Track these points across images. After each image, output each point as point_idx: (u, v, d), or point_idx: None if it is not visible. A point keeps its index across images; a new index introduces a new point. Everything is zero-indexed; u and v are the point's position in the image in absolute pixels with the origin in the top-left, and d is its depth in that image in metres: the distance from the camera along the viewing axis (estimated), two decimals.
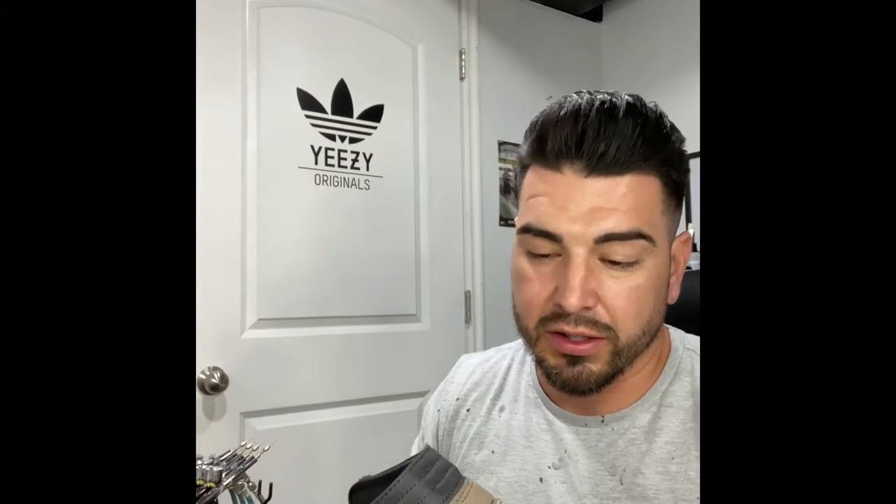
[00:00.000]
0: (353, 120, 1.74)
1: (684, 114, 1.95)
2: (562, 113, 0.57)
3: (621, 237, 0.55)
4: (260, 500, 1.04)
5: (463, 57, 1.95)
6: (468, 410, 0.73)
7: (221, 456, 0.98)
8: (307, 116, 1.67)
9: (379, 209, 1.77)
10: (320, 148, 1.69)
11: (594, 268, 0.56)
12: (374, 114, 1.78)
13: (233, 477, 0.99)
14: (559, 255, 0.57)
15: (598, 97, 0.57)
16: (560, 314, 0.56)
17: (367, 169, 1.76)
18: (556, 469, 0.63)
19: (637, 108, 0.57)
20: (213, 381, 1.46)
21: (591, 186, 0.55)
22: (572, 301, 0.54)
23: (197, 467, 0.96)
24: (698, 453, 0.58)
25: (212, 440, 1.45)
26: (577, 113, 0.56)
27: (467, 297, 1.92)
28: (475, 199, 1.94)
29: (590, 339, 0.57)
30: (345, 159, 1.72)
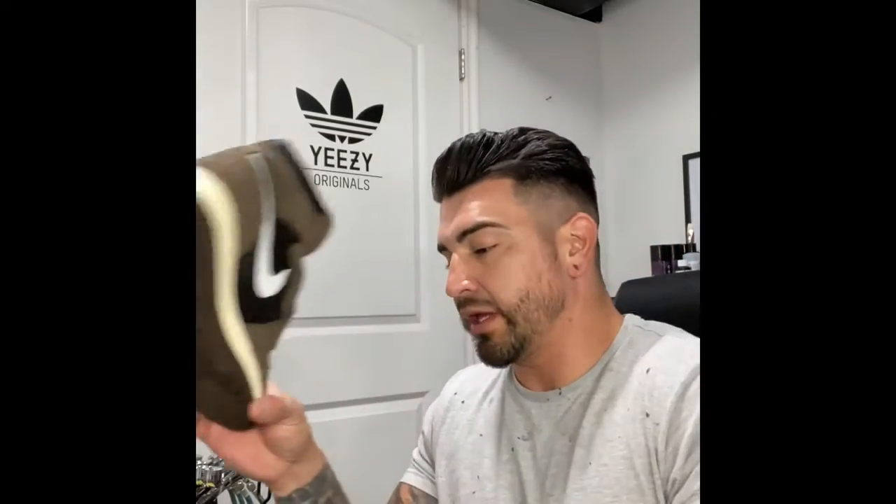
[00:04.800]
0: (353, 120, 1.74)
1: (684, 114, 1.96)
2: (438, 159, 0.73)
3: (472, 230, 0.69)
4: (259, 499, 1.04)
5: (463, 57, 1.95)
6: (463, 402, 0.84)
7: None
8: (307, 117, 1.67)
9: (379, 209, 1.77)
10: (320, 148, 1.69)
11: (470, 260, 0.70)
12: (374, 114, 1.78)
13: (232, 477, 0.99)
14: None
15: (465, 140, 0.72)
16: (458, 303, 0.71)
17: (367, 169, 1.76)
18: (525, 440, 0.74)
19: (489, 139, 0.71)
20: None
21: (452, 203, 0.72)
22: (451, 288, 0.70)
23: (197, 467, 0.96)
24: (623, 400, 0.67)
25: None
26: (443, 158, 0.73)
27: None
28: None
29: (482, 315, 0.70)
30: (344, 159, 1.72)
